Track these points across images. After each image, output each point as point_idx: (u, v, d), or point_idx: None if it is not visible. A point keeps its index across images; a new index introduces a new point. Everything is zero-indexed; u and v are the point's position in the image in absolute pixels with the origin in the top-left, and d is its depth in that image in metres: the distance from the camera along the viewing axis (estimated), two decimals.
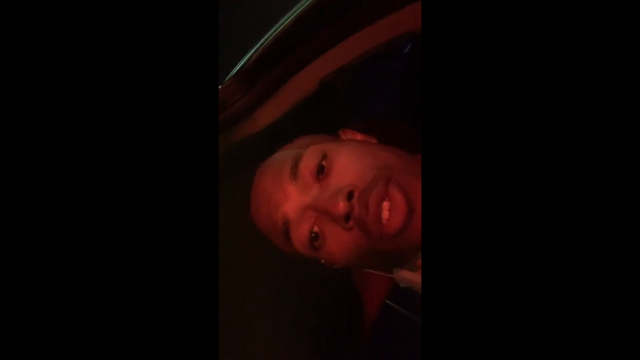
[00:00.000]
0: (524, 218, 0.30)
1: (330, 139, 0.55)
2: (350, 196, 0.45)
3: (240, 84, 0.55)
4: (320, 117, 0.65)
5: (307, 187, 0.48)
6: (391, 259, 0.51)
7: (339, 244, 0.48)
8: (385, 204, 0.45)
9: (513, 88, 0.31)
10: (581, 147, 0.29)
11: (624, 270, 0.28)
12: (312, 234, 0.49)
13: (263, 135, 0.60)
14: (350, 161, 0.48)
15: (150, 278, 0.33)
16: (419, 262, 0.51)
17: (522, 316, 0.30)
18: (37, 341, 0.32)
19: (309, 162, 0.49)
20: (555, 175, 0.30)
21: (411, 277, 0.51)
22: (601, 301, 0.29)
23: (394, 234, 0.45)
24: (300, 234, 0.49)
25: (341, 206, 0.44)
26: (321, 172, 0.48)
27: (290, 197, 0.49)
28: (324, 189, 0.47)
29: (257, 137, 0.60)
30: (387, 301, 0.58)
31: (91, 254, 0.33)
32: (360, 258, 0.50)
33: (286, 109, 0.58)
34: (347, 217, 0.45)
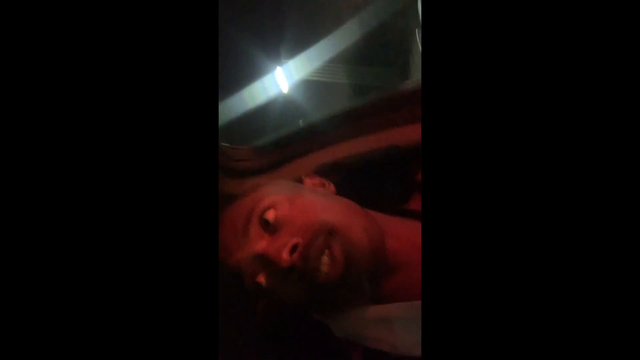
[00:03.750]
0: (522, 221, 0.30)
1: (290, 186, 0.62)
2: (293, 250, 0.51)
3: (257, 152, 0.70)
4: None
5: (259, 237, 0.55)
6: (334, 303, 0.57)
7: (284, 289, 0.55)
8: (325, 258, 0.51)
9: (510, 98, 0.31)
10: (571, 167, 0.30)
11: (621, 270, 0.29)
12: (259, 282, 0.55)
13: None
14: (295, 215, 0.55)
15: (150, 279, 0.33)
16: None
17: (520, 320, 0.30)
18: (37, 341, 0.31)
19: (259, 216, 0.56)
20: (551, 183, 0.30)
21: (348, 328, 0.57)
22: (598, 301, 0.29)
23: (333, 283, 0.51)
24: (250, 279, 0.56)
25: (284, 259, 0.51)
26: (268, 225, 0.55)
27: (241, 248, 0.56)
28: (273, 241, 0.54)
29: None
30: None
31: (87, 256, 0.33)
32: (305, 302, 0.56)
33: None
34: (292, 268, 0.51)
